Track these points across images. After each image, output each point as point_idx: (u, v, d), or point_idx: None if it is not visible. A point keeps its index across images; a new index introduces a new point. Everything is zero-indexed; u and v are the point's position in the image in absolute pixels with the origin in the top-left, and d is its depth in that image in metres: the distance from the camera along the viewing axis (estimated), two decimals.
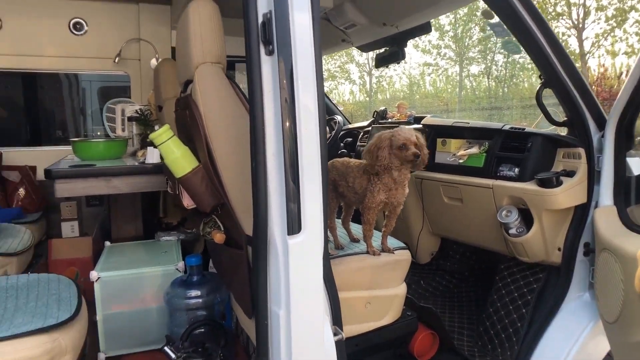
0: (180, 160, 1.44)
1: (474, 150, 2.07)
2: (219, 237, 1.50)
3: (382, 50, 2.75)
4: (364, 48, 2.93)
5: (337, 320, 1.27)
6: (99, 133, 3.60)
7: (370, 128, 3.00)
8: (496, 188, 1.91)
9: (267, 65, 1.10)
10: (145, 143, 2.52)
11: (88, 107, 4.52)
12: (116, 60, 2.89)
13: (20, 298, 1.35)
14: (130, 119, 2.66)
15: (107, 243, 2.43)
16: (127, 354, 2.05)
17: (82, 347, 1.31)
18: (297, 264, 1.12)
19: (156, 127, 1.40)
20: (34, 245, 2.32)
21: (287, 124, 1.09)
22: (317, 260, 1.15)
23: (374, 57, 2.80)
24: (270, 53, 1.09)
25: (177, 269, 2.09)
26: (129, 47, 2.97)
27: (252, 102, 1.10)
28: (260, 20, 1.11)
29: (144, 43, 2.98)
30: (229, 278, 1.80)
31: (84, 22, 2.90)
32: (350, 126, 3.45)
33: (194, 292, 1.89)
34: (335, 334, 1.25)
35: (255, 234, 1.17)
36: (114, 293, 2.02)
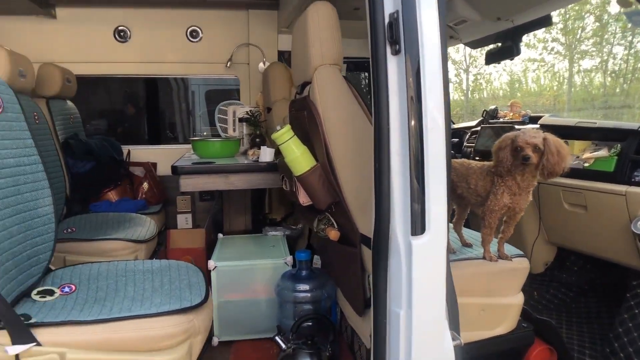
0: (300, 159, 1.49)
1: (603, 152, 1.89)
2: (333, 234, 1.53)
3: (493, 46, 2.62)
4: (472, 44, 2.82)
5: (454, 324, 1.24)
6: (204, 133, 3.87)
7: (479, 128, 2.88)
8: (631, 195, 1.73)
9: (393, 65, 1.10)
10: (255, 143, 2.66)
11: (197, 109, 4.88)
12: (228, 65, 3.08)
13: (156, 280, 1.48)
14: (240, 120, 2.82)
15: (220, 235, 2.60)
16: (238, 340, 2.18)
17: (209, 329, 1.42)
18: (420, 265, 1.11)
19: (277, 128, 1.46)
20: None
21: (413, 122, 1.09)
22: (441, 262, 1.13)
23: (477, 53, 2.68)
24: (396, 52, 1.09)
25: (285, 262, 2.17)
26: (239, 51, 3.15)
27: (378, 101, 1.11)
28: (387, 20, 1.11)
29: (253, 47, 3.14)
30: (339, 275, 1.83)
31: (199, 30, 3.13)
32: (455, 126, 3.34)
33: (303, 286, 1.95)
34: (453, 339, 1.22)
35: (376, 233, 1.17)
36: (228, 282, 2.16)
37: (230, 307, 2.17)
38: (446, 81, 1.11)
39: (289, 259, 2.16)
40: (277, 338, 1.81)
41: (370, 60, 1.13)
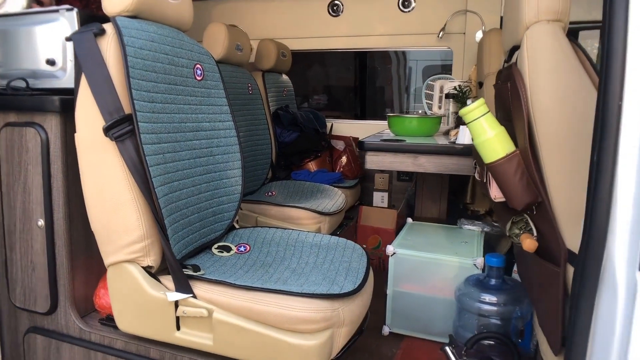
0: (493, 142, 1.19)
1: None
2: (528, 243, 1.19)
3: None
4: None
5: None
6: (420, 111, 3.68)
7: None
8: None
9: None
10: (461, 121, 2.36)
11: (412, 85, 4.70)
12: (440, 35, 2.80)
13: (320, 256, 1.43)
14: (447, 96, 2.55)
15: (409, 220, 2.43)
16: (410, 335, 2.00)
17: (361, 321, 1.28)
18: None
19: (468, 102, 1.18)
20: (346, 209, 2.54)
21: None
22: None
23: None
24: None
25: (474, 264, 1.88)
26: (453, 20, 2.83)
27: (608, 67, 0.75)
28: None
29: (470, 15, 2.78)
30: (536, 296, 1.47)
31: None
32: None
33: (489, 297, 1.64)
34: None
35: (582, 252, 0.83)
36: (405, 272, 1.99)
37: (404, 299, 2.00)
38: None
39: (479, 261, 1.85)
40: (447, 348, 1.57)
41: (603, 10, 0.77)
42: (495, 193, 1.30)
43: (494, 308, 1.62)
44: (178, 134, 1.34)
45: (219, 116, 1.55)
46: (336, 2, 3.05)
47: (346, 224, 2.54)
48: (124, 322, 1.30)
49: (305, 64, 4.18)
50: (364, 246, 2.82)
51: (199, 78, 1.48)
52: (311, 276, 1.28)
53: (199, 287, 1.20)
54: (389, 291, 2.02)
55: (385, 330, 2.04)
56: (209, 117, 1.50)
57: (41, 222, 1.41)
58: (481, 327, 1.62)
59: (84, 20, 1.40)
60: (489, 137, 1.19)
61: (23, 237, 1.45)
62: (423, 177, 2.72)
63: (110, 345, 1.37)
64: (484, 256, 1.82)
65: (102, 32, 1.20)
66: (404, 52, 4.59)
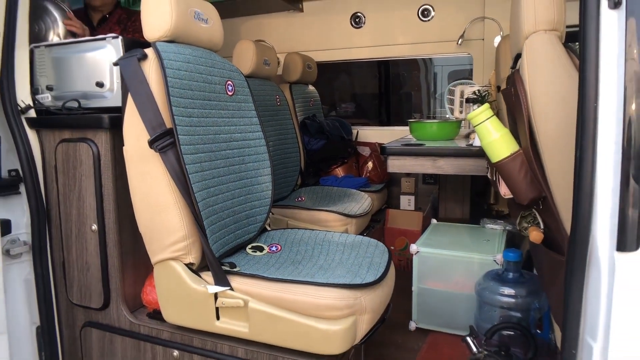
0: (498, 143, 1.29)
1: None
2: (534, 235, 1.28)
3: None
4: None
5: None
6: (447, 116, 3.75)
7: None
8: None
9: (610, 23, 0.82)
10: None
11: (437, 90, 4.76)
12: (459, 42, 2.89)
13: (345, 253, 1.55)
14: (467, 100, 2.63)
15: (434, 220, 2.52)
16: (435, 330, 2.09)
17: (383, 311, 1.40)
18: (626, 290, 0.82)
19: (473, 107, 1.29)
20: (373, 212, 2.65)
21: (634, 101, 0.79)
22: None
23: None
24: (615, 5, 0.81)
25: (495, 260, 1.96)
26: (472, 27, 2.92)
27: (583, 70, 0.85)
28: None
29: (488, 21, 2.85)
30: (546, 285, 1.54)
31: (431, 8, 3.02)
32: None
33: (507, 290, 1.72)
34: None
35: (571, 242, 0.92)
36: (429, 269, 2.08)
37: (429, 295, 2.10)
38: None
39: (499, 257, 1.93)
40: (468, 339, 1.65)
41: (579, 15, 0.87)
42: (505, 190, 1.39)
43: (512, 300, 1.69)
44: (213, 144, 1.50)
45: (249, 127, 1.70)
46: (358, 14, 3.19)
47: (373, 227, 2.65)
48: (169, 314, 1.46)
49: (333, 74, 4.32)
50: (392, 247, 2.93)
51: (230, 93, 1.64)
52: (337, 270, 1.40)
53: (235, 281, 1.35)
54: (414, 288, 2.12)
55: (412, 325, 2.13)
56: (240, 128, 1.66)
57: (94, 227, 1.59)
58: (501, 319, 1.70)
59: (127, 47, 1.58)
60: (495, 139, 1.29)
61: (79, 241, 1.63)
62: (446, 180, 2.80)
63: (158, 336, 1.53)
64: None
65: (145, 56, 1.37)
66: (430, 58, 4.67)
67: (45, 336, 1.68)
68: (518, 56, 1.38)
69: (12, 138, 1.60)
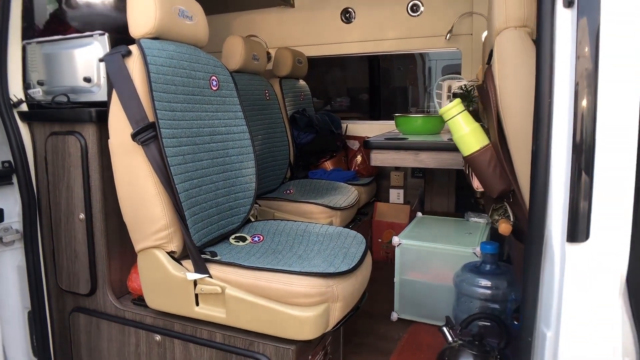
0: (469, 137, 1.33)
1: None
2: (503, 227, 1.32)
3: None
4: None
5: None
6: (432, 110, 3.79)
7: None
8: None
9: (564, 21, 0.86)
10: None
11: (431, 84, 4.79)
12: (447, 37, 2.92)
13: (324, 244, 1.59)
14: (454, 95, 2.66)
15: (419, 214, 2.57)
16: (416, 321, 2.14)
17: (357, 300, 1.44)
18: (575, 279, 0.86)
19: (446, 102, 1.33)
20: (361, 205, 2.69)
21: (584, 97, 0.83)
22: (610, 280, 0.85)
23: None
24: (569, 4, 0.84)
25: (474, 252, 2.00)
26: (461, 22, 2.94)
27: (539, 69, 0.89)
28: None
29: (477, 16, 2.88)
30: (518, 276, 1.59)
31: (420, 3, 3.04)
32: None
33: (484, 282, 1.77)
34: None
35: (528, 233, 0.97)
36: (411, 261, 2.13)
37: (411, 287, 2.15)
38: None
39: (479, 249, 1.97)
40: (444, 329, 1.70)
41: (537, 13, 0.90)
42: (477, 184, 1.43)
43: (489, 291, 1.74)
44: (197, 137, 1.54)
45: (234, 121, 1.74)
46: (349, 9, 3.21)
47: (359, 219, 2.69)
48: (152, 300, 1.50)
49: (325, 68, 4.35)
50: (379, 240, 2.97)
51: (214, 88, 1.68)
52: (314, 260, 1.45)
53: (214, 269, 1.39)
54: (396, 279, 2.16)
55: (394, 316, 2.18)
56: (225, 122, 1.69)
57: (82, 216, 1.64)
58: (477, 310, 1.74)
59: (114, 43, 1.62)
60: (465, 133, 1.33)
61: (67, 229, 1.68)
62: (432, 173, 2.84)
63: (141, 321, 1.58)
64: None
65: (129, 53, 1.41)
66: (422, 53, 4.70)
67: (36, 320, 1.73)
68: (492, 52, 1.41)
69: (4, 131, 1.64)
